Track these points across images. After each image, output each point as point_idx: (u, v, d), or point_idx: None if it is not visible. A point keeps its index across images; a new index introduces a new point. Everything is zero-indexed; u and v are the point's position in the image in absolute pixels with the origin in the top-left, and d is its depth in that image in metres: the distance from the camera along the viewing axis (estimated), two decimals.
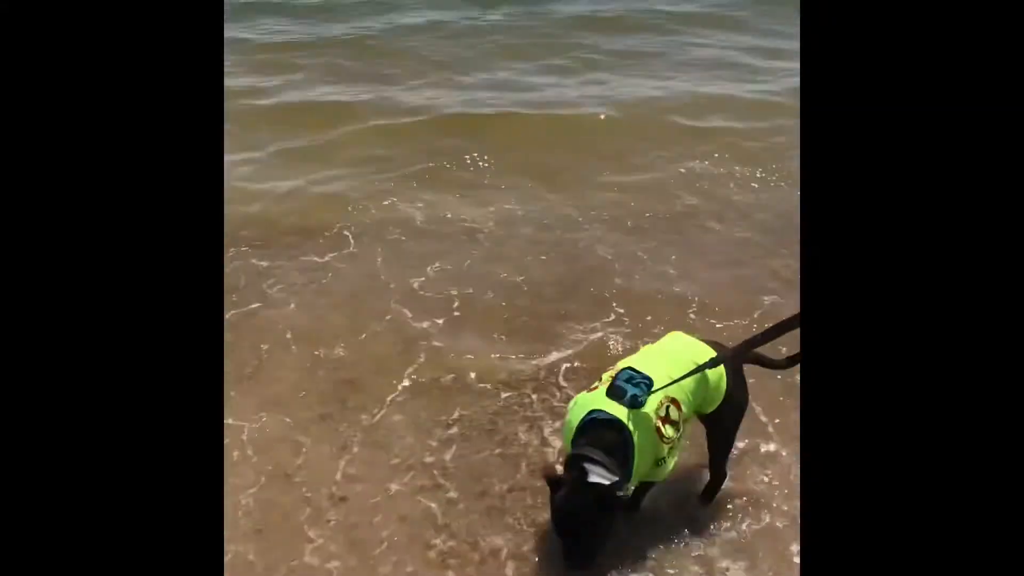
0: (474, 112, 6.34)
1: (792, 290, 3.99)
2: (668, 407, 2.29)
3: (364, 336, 3.71)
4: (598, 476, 2.16)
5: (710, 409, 2.47)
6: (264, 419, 3.17)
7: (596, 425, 2.24)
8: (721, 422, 2.54)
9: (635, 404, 2.24)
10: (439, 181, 5.30)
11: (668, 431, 2.28)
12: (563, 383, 3.37)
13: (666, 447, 2.30)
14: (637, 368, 2.32)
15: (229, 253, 4.34)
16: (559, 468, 2.34)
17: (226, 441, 2.97)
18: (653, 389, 2.27)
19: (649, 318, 3.76)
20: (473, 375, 3.42)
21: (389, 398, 3.29)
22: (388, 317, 3.84)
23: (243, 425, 3.11)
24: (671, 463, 2.37)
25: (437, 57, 7.63)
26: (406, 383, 3.38)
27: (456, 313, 3.88)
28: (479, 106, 6.49)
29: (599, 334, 3.70)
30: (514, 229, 4.70)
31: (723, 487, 2.72)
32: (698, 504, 2.70)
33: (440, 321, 3.81)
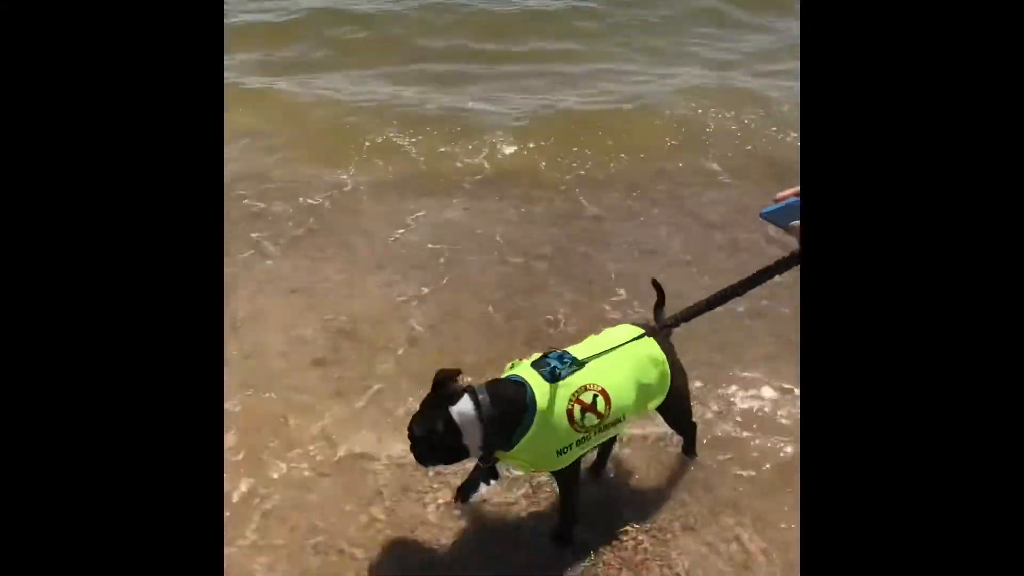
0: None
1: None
2: (596, 396, 2.21)
3: (358, 286, 3.77)
4: (457, 410, 2.16)
5: (658, 404, 2.45)
6: (255, 365, 3.24)
7: (507, 381, 2.23)
8: (673, 409, 2.56)
9: (552, 377, 2.18)
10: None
11: (586, 419, 2.20)
12: (564, 328, 3.50)
13: (576, 436, 2.21)
14: (572, 353, 2.27)
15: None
16: (465, 380, 2.28)
17: None
18: (579, 361, 2.19)
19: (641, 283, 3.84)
20: (469, 324, 3.52)
21: (384, 347, 3.36)
22: (381, 269, 3.90)
23: (232, 371, 3.17)
24: (574, 456, 2.28)
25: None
26: (402, 333, 3.46)
27: (441, 261, 3.97)
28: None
29: (586, 294, 3.79)
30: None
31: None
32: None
33: (433, 271, 3.88)
